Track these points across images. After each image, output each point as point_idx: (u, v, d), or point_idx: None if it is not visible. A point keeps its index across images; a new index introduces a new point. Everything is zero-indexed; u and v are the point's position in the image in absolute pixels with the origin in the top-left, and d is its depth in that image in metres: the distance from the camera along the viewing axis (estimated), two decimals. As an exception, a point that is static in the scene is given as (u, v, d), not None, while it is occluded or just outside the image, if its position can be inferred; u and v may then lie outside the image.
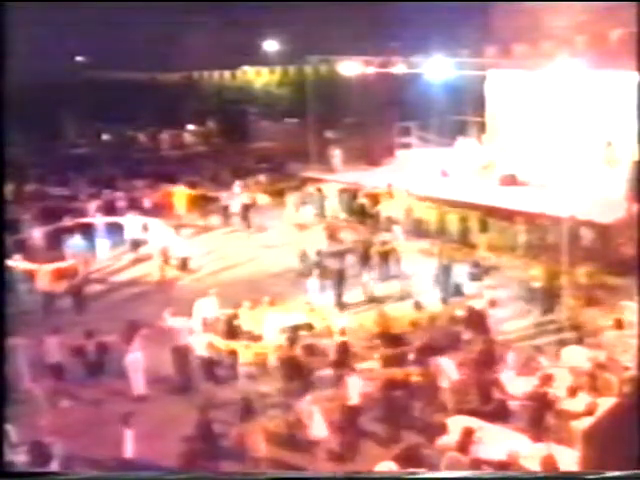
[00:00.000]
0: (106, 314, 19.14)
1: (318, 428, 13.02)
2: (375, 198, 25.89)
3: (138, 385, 15.15)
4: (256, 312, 17.25)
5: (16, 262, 20.53)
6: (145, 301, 20.24)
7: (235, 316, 16.86)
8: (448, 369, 14.35)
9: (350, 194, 26.92)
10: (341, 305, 18.98)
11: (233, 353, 15.96)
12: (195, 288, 20.44)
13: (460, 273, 20.12)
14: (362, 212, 25.68)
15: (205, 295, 17.85)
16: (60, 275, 20.46)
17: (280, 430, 13.17)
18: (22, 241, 23.27)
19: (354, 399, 13.64)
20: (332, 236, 22.81)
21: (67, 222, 24.26)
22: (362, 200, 26.12)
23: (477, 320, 16.61)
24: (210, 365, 15.90)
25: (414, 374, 14.42)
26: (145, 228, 24.39)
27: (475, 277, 19.86)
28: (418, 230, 24.08)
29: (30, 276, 20.46)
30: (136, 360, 15.24)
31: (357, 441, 13.36)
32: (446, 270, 19.96)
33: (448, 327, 16.83)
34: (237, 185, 28.05)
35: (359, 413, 13.71)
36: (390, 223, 24.25)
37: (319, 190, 27.54)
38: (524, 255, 21.36)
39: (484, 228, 22.84)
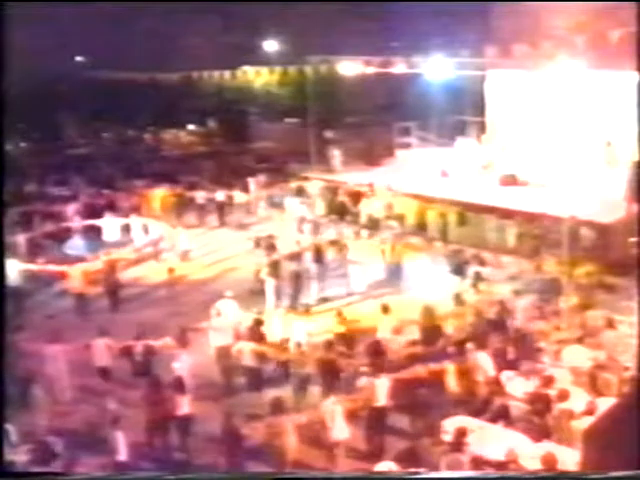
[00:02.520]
0: (121, 315, 19.17)
1: (340, 429, 12.98)
2: (356, 196, 25.98)
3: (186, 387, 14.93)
4: (278, 314, 17.29)
5: (41, 265, 20.67)
6: (153, 301, 20.26)
7: (260, 320, 16.71)
8: (485, 364, 14.31)
9: (331, 192, 27.04)
10: (295, 308, 18.80)
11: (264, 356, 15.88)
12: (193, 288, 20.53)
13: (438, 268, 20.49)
14: (343, 210, 25.69)
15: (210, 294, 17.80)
16: (93, 275, 20.42)
17: (303, 430, 13.11)
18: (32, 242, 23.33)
19: (382, 400, 13.57)
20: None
21: (62, 225, 24.45)
22: (342, 198, 26.20)
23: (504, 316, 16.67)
24: (254, 371, 15.74)
25: (451, 369, 14.26)
26: (145, 229, 24.56)
27: (458, 271, 20.07)
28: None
29: (58, 278, 20.48)
30: (184, 363, 15.08)
31: (383, 442, 13.32)
32: (397, 267, 20.54)
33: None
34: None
35: (386, 414, 13.64)
36: (372, 221, 24.39)
37: (301, 188, 27.73)
38: (515, 251, 21.49)
39: (463, 222, 23.13)
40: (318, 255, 21.05)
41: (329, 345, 15.57)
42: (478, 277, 19.32)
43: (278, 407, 13.13)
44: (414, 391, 14.04)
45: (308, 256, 21.19)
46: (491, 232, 22.73)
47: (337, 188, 27.16)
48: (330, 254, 21.51)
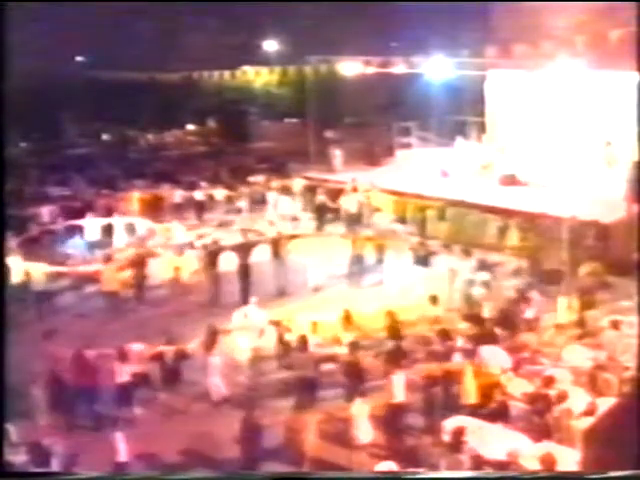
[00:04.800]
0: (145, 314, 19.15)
1: (364, 432, 13.01)
2: (335, 193, 26.25)
3: (219, 390, 14.95)
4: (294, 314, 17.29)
5: (69, 267, 20.63)
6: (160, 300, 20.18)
7: (280, 322, 16.58)
8: (497, 357, 14.35)
9: (311, 190, 27.35)
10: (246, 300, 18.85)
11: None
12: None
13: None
14: (323, 208, 25.98)
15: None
16: (122, 273, 20.26)
17: (327, 429, 13.15)
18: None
19: (399, 397, 13.57)
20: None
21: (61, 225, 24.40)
22: (320, 197, 26.48)
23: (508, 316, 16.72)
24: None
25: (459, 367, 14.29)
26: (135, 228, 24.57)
27: (422, 262, 20.52)
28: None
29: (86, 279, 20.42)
30: (216, 364, 15.04)
31: (402, 439, 13.33)
32: (358, 260, 20.80)
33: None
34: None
35: (404, 411, 13.63)
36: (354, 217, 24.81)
37: (285, 186, 28.07)
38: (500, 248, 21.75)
39: (443, 217, 23.51)
40: (276, 249, 21.08)
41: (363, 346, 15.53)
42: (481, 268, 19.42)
43: (305, 407, 13.23)
44: (430, 389, 14.10)
45: (267, 250, 21.21)
46: (474, 228, 22.95)
47: (316, 186, 27.47)
48: (295, 248, 21.50)
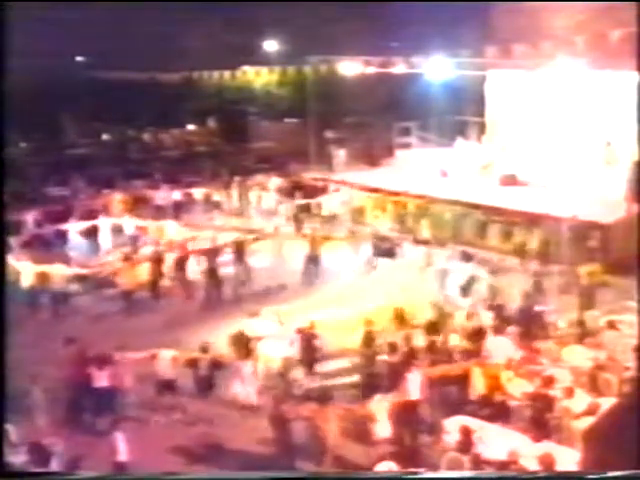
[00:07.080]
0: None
1: (383, 428, 13.08)
2: (315, 192, 26.68)
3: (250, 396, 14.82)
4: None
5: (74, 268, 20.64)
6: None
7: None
8: (503, 347, 14.43)
9: (289, 189, 27.68)
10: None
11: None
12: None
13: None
14: (303, 207, 26.33)
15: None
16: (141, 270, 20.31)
17: (347, 424, 13.18)
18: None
19: (414, 394, 13.55)
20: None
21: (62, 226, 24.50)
22: (301, 199, 26.81)
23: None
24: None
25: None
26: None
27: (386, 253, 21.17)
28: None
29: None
30: (248, 372, 14.93)
31: (417, 437, 13.33)
32: (314, 259, 21.07)
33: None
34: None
35: (419, 408, 13.62)
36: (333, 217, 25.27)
37: (260, 185, 28.49)
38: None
39: (424, 215, 23.98)
40: (240, 252, 21.34)
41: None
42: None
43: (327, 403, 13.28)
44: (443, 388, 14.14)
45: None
46: (471, 227, 23.22)
47: (295, 186, 27.79)
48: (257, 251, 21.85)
